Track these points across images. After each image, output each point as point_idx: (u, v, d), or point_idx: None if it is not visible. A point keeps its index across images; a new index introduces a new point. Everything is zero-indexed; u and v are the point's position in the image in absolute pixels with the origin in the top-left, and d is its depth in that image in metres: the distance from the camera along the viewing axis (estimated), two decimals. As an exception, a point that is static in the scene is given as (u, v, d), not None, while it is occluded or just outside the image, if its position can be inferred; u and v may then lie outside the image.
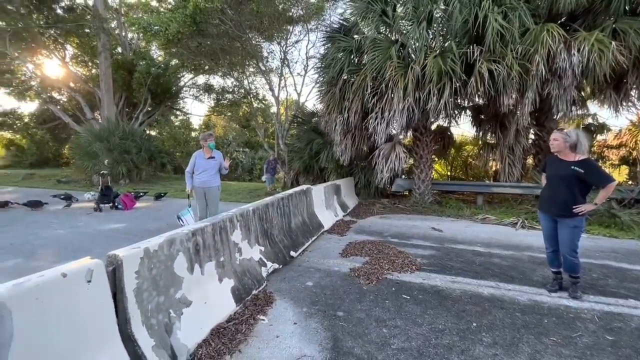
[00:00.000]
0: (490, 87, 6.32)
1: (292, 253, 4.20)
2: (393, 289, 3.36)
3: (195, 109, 44.04)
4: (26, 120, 19.19)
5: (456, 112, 8.21)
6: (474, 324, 2.70)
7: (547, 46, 6.08)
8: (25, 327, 1.49)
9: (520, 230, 5.91)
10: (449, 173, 12.11)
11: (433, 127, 8.73)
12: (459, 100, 7.49)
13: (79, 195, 9.73)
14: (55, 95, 17.45)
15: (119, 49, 16.49)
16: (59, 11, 14.70)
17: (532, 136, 8.68)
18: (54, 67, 15.93)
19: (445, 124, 8.88)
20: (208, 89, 18.31)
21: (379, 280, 3.56)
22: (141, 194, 9.58)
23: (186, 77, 18.08)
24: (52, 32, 14.30)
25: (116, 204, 7.94)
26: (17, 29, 13.00)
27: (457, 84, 6.47)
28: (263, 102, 15.94)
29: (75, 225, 6.30)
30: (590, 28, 6.40)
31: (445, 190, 9.26)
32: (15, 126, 18.99)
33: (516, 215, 6.78)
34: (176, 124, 23.83)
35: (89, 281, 1.78)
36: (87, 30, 14.67)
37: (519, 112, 6.83)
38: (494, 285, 3.45)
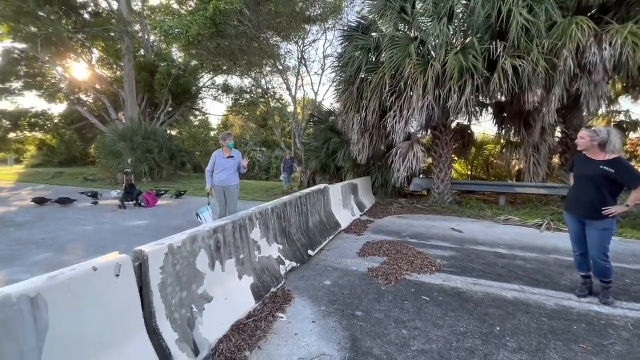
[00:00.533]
0: (515, 84, 6.11)
1: (310, 252, 4.22)
2: (412, 290, 3.31)
3: (214, 109, 45.07)
4: (56, 121, 20.18)
5: (478, 110, 7.99)
6: (498, 328, 2.62)
7: (576, 40, 5.82)
8: (59, 318, 1.57)
9: (545, 232, 5.70)
10: (469, 173, 11.81)
11: (453, 125, 8.54)
12: (480, 98, 7.30)
13: (106, 193, 10.13)
14: (83, 97, 18.26)
15: (142, 52, 17.06)
16: (86, 16, 15.36)
17: (558, 134, 8.35)
18: (82, 70, 16.74)
19: (466, 122, 8.66)
20: (226, 89, 18.66)
21: (398, 280, 3.52)
22: (162, 192, 9.87)
23: (205, 78, 18.50)
24: (80, 36, 14.96)
25: (139, 201, 8.22)
26: (48, 34, 13.68)
27: (479, 81, 6.30)
28: (280, 101, 16.08)
29: (101, 221, 6.56)
30: (624, 20, 6.07)
31: (465, 190, 9.05)
32: (46, 127, 20.00)
33: (541, 216, 6.53)
34: (195, 123, 24.39)
35: (118, 275, 1.85)
36: (112, 34, 15.25)
37: (545, 110, 6.58)
38: (518, 289, 3.35)
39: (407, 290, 3.30)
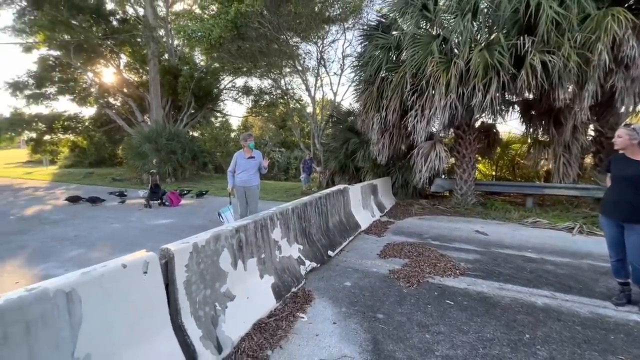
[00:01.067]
0: (543, 80, 5.85)
1: (330, 252, 4.22)
2: (435, 293, 3.23)
3: (234, 111, 45.86)
4: (86, 123, 21.19)
5: (503, 108, 7.72)
6: (527, 336, 2.51)
7: (612, 33, 5.50)
8: (91, 313, 1.64)
9: (577, 235, 5.42)
10: (493, 173, 11.44)
11: (477, 124, 8.29)
12: (506, 95, 7.06)
13: (132, 192, 10.53)
14: (111, 100, 19.09)
15: (166, 56, 17.64)
16: (114, 23, 16.05)
17: (591, 132, 7.92)
18: (110, 74, 17.57)
19: (491, 121, 8.39)
20: (246, 90, 18.96)
21: (420, 283, 3.45)
22: (185, 191, 10.15)
23: (226, 80, 18.88)
24: (109, 42, 15.66)
25: (164, 200, 8.49)
26: (80, 42, 14.41)
27: (505, 78, 6.08)
28: (299, 102, 16.17)
29: (128, 220, 6.83)
30: (665, 10, 5.69)
31: (489, 192, 8.78)
32: (77, 129, 21.04)
33: (572, 219, 6.22)
34: (216, 125, 24.96)
35: (145, 272, 1.91)
36: (138, 40, 15.87)
37: (576, 107, 6.26)
38: (549, 295, 3.20)
39: (430, 293, 3.23)
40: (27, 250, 4.74)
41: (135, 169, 14.55)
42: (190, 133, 19.77)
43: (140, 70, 18.22)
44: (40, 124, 18.90)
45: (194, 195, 10.14)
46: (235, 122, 28.27)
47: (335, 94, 12.80)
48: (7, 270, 4.02)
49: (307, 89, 12.33)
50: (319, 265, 3.88)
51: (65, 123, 19.79)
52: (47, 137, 20.30)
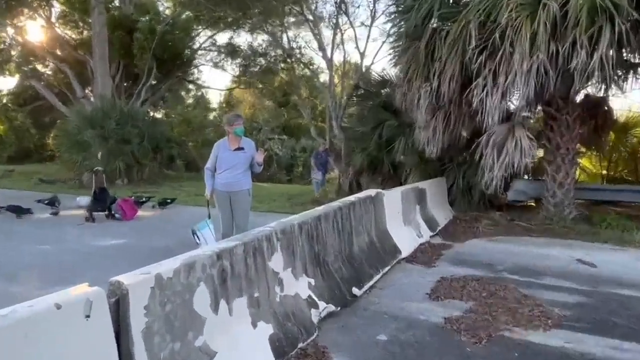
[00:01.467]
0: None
1: (355, 290, 4.22)
2: (515, 354, 3.20)
3: (214, 81, 46.58)
4: (4, 100, 21.95)
5: (619, 73, 7.55)
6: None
7: None
8: (12, 372, 1.69)
9: None
10: (604, 172, 11.24)
11: (578, 98, 8.16)
12: (625, 54, 6.90)
13: (68, 199, 10.79)
14: (39, 67, 19.68)
15: (116, 1, 18.09)
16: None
17: None
18: (38, 30, 18.09)
19: (601, 93, 8.22)
20: (232, 50, 19.20)
21: (492, 338, 3.43)
22: (144, 198, 10.36)
23: (202, 37, 19.22)
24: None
25: (113, 211, 8.70)
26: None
27: (623, 28, 5.95)
28: (309, 66, 16.25)
29: (63, 239, 7.03)
30: None
31: (598, 200, 8.64)
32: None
33: None
34: (188, 102, 25.36)
35: (88, 316, 1.95)
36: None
37: None
38: (693, 360, 3.10)
39: (508, 354, 3.20)
40: None
41: (72, 165, 14.94)
42: (152, 114, 20.17)
43: (81, 24, 18.74)
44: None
45: (156, 204, 10.34)
46: (215, 98, 28.66)
47: (362, 55, 12.81)
48: None
49: (321, 48, 12.40)
50: (338, 308, 3.88)
51: (-26, 100, 20.54)
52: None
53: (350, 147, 11.06)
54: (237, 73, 20.28)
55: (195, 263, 2.58)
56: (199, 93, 25.68)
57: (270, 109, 26.80)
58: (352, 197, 5.03)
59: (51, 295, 1.95)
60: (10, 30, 17.45)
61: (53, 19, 18.14)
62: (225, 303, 2.77)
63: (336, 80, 13.36)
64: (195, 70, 21.68)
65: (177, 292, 2.42)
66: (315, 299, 3.69)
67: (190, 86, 23.58)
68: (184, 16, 17.44)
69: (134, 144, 14.97)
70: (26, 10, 17.16)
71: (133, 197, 9.88)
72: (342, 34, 12.99)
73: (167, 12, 18.38)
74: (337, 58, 13.44)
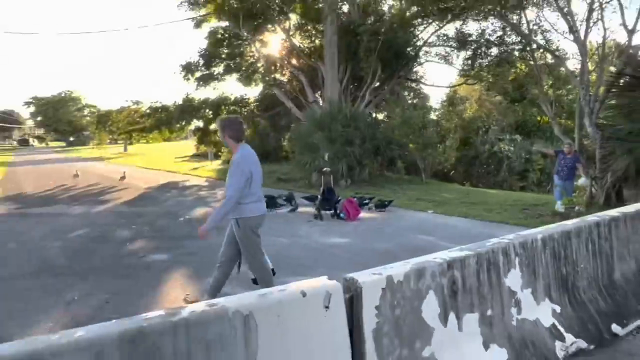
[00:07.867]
0: None
1: (616, 327, 3.70)
2: None
3: (438, 79, 46.66)
4: (251, 107, 26.78)
5: None
6: None
7: None
8: (267, 345, 2.03)
9: None
10: None
11: None
12: None
13: (298, 198, 12.37)
14: (278, 76, 23.38)
15: (345, 8, 19.90)
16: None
17: None
18: (277, 43, 21.85)
19: None
20: (462, 40, 18.92)
21: None
22: (367, 200, 11.05)
23: (426, 32, 19.52)
24: (277, 1, 19.23)
25: (338, 211, 9.56)
26: (250, 6, 18.35)
27: None
28: (555, 53, 14.71)
29: (296, 234, 8.13)
30: None
31: None
32: (243, 114, 26.98)
33: None
34: (409, 102, 26.04)
35: (327, 307, 2.21)
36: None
37: None
38: None
39: None
40: (195, 258, 6.37)
41: (302, 166, 16.99)
42: (374, 115, 21.46)
43: (314, 32, 21.37)
44: (207, 110, 25.30)
45: (372, 206, 10.92)
46: (436, 96, 28.70)
47: (631, 32, 10.85)
48: (178, 281, 5.56)
49: (572, 29, 11.06)
50: (591, 347, 3.43)
51: (231, 108, 25.62)
52: (213, 126, 26.93)
53: (608, 149, 9.61)
54: (465, 67, 19.89)
55: (425, 269, 2.65)
56: (420, 93, 26.06)
57: (497, 105, 25.42)
58: (614, 212, 4.38)
59: (296, 283, 2.27)
60: (257, 45, 21.28)
61: (290, 31, 21.26)
62: (454, 316, 2.75)
63: (590, 67, 11.74)
64: (420, 68, 22.31)
65: (407, 297, 2.52)
66: (562, 330, 3.35)
67: (413, 85, 24.23)
68: (409, 12, 18.05)
69: (356, 146, 16.11)
70: (269, 26, 20.57)
71: (356, 198, 10.63)
72: (601, 9, 11.33)
73: (394, 11, 19.30)
74: (593, 38, 11.81)
